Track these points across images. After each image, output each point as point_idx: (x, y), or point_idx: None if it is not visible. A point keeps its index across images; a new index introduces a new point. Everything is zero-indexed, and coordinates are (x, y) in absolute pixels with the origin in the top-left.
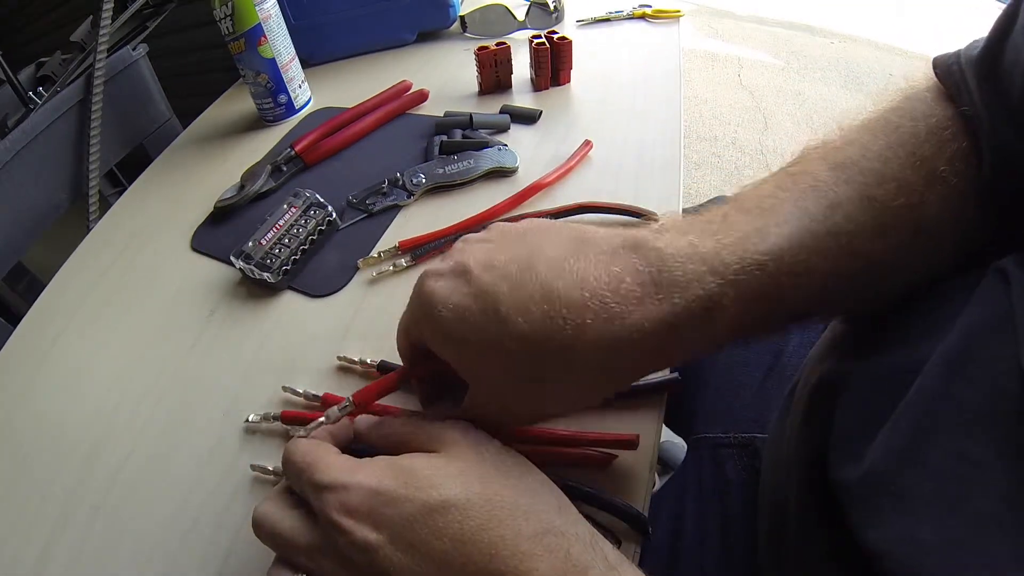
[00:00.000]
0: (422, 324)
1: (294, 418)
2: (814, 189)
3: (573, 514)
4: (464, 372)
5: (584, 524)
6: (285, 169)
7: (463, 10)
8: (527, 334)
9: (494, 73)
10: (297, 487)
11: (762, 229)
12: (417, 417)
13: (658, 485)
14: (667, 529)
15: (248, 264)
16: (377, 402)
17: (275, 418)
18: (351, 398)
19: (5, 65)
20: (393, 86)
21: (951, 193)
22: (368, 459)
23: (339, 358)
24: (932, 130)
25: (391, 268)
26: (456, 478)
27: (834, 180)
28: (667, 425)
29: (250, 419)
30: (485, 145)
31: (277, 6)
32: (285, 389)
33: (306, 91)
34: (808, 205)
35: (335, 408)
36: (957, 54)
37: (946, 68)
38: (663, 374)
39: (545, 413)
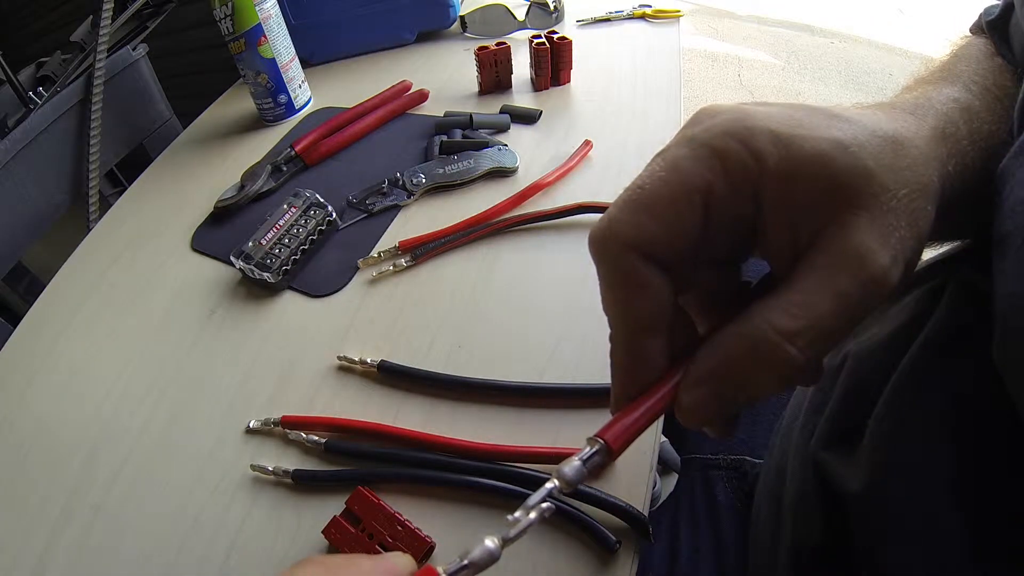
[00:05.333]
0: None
1: (295, 422)
2: (943, 90)
3: None
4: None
5: None
6: (285, 169)
7: (463, 10)
8: None
9: (494, 73)
10: None
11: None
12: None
13: (658, 486)
14: (664, 549)
15: (248, 264)
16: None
17: (276, 423)
18: (602, 438)
19: (5, 65)
20: (393, 86)
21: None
22: None
23: (339, 358)
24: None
25: (391, 268)
26: None
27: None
28: (667, 436)
29: (251, 424)
30: (485, 145)
31: (277, 6)
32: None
33: (306, 91)
34: (951, 92)
35: (574, 461)
36: (979, 18)
37: (976, 28)
38: None
39: None
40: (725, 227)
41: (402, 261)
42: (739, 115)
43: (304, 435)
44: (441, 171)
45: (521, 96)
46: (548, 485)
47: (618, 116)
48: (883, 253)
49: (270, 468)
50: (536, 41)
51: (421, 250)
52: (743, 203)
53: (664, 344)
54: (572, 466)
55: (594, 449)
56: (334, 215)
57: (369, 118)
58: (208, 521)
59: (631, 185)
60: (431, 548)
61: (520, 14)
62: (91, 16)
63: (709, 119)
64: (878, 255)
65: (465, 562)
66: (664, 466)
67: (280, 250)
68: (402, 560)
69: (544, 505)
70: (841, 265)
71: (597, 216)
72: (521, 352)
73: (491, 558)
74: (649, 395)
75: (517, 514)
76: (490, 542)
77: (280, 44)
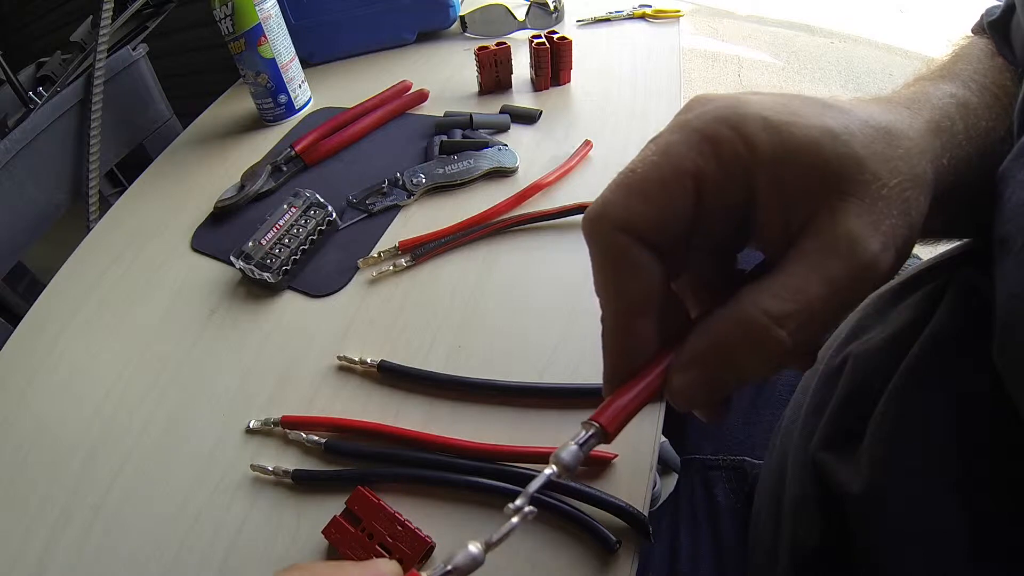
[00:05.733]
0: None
1: (295, 422)
2: (941, 87)
3: None
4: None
5: None
6: (285, 169)
7: (463, 10)
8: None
9: (494, 73)
10: None
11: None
12: None
13: (658, 486)
14: (665, 551)
15: (248, 264)
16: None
17: (275, 423)
18: (596, 421)
19: (5, 65)
20: (393, 86)
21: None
22: None
23: (339, 358)
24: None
25: (391, 268)
26: None
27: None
28: (667, 436)
29: (251, 424)
30: (485, 145)
31: (277, 6)
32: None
33: (306, 91)
34: (948, 88)
35: (571, 446)
36: (981, 19)
37: (978, 28)
38: None
39: None
40: (719, 213)
41: (402, 261)
42: (732, 102)
43: (304, 435)
44: (441, 171)
45: (521, 96)
46: (547, 471)
47: (618, 116)
48: (874, 240)
49: (270, 468)
50: (536, 41)
51: (421, 250)
52: (735, 189)
53: (654, 326)
54: (569, 450)
55: (590, 432)
56: (334, 215)
57: (369, 118)
58: (208, 521)
59: (624, 169)
60: (431, 548)
61: (520, 14)
62: (91, 16)
63: (702, 106)
64: (868, 241)
65: (449, 567)
66: (664, 466)
67: (280, 250)
68: (388, 567)
69: (527, 509)
70: (831, 250)
71: None
72: (521, 352)
73: (474, 563)
74: (641, 377)
75: (518, 502)
76: (473, 547)
77: (280, 44)
